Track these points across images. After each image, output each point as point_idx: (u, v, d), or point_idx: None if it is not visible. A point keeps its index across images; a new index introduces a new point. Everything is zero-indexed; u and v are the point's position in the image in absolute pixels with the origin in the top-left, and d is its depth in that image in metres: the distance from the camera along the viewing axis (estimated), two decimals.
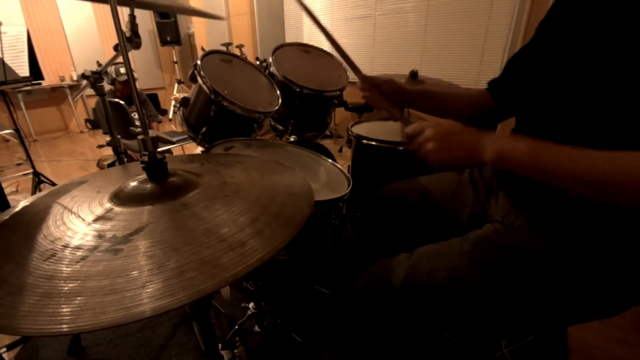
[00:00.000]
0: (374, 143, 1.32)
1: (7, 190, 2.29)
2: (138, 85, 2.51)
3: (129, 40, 0.87)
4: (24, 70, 2.12)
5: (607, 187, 0.44)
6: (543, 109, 0.64)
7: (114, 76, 2.43)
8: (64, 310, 0.33)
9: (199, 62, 1.15)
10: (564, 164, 0.47)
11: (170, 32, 4.64)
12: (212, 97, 1.11)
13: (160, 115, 2.87)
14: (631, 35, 0.49)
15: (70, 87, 4.49)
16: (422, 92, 0.86)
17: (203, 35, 4.67)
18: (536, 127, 0.66)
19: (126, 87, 2.50)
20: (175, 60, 4.99)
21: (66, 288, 0.35)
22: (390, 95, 0.82)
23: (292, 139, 1.53)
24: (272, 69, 1.39)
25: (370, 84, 0.83)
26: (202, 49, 2.53)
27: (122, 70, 2.46)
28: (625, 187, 0.43)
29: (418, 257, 0.71)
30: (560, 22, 0.64)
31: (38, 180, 2.37)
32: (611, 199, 0.46)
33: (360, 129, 1.45)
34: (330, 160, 1.20)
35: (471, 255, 0.66)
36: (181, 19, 4.72)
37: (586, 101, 0.55)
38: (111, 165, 2.93)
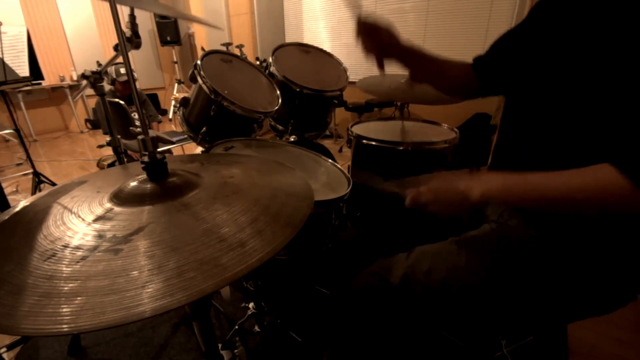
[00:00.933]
0: (374, 143, 1.32)
1: (7, 190, 2.29)
2: (138, 85, 2.50)
3: (129, 40, 0.87)
4: (24, 70, 2.12)
5: (575, 204, 0.51)
6: (532, 92, 0.65)
7: (114, 76, 2.43)
8: (64, 310, 0.33)
9: (199, 62, 1.15)
10: (533, 192, 0.54)
11: (170, 32, 4.64)
12: (212, 97, 1.11)
13: (160, 115, 2.87)
14: (618, 23, 0.50)
15: (70, 87, 4.50)
16: (417, 52, 0.83)
17: (203, 35, 4.67)
18: (525, 110, 0.67)
19: (126, 87, 2.50)
20: (175, 60, 4.99)
21: (66, 288, 0.35)
22: (387, 47, 0.78)
23: (292, 139, 1.53)
24: (272, 69, 1.38)
25: (369, 29, 0.76)
26: (202, 49, 2.53)
27: (123, 70, 2.45)
28: (590, 201, 0.49)
29: (416, 257, 0.71)
30: (552, 8, 0.64)
31: (38, 180, 2.37)
32: (584, 212, 0.53)
33: (360, 129, 1.46)
34: (330, 160, 1.20)
35: (468, 254, 0.67)
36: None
37: (573, 85, 0.56)
38: (111, 165, 2.93)
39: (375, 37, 0.77)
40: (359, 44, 0.79)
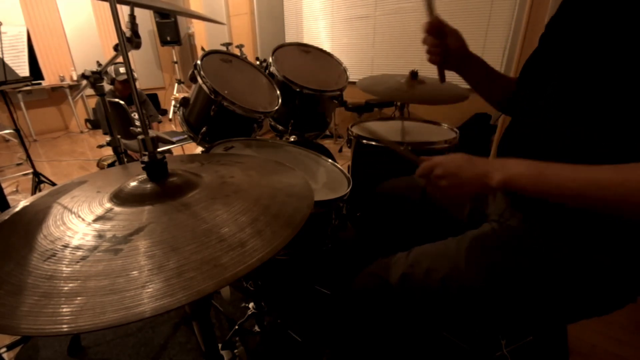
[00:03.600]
0: (374, 143, 1.32)
1: (7, 190, 2.29)
2: (138, 85, 2.49)
3: (129, 40, 0.87)
4: (24, 70, 2.12)
5: (607, 201, 0.46)
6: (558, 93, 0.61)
7: (114, 76, 2.42)
8: (64, 310, 0.33)
9: (199, 62, 1.15)
10: (564, 184, 0.49)
11: (170, 32, 4.64)
12: (212, 97, 1.11)
13: (160, 115, 2.86)
14: (630, 37, 0.49)
15: (70, 87, 4.50)
16: (478, 60, 0.82)
17: (203, 35, 4.67)
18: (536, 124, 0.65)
19: (126, 86, 2.50)
20: (175, 60, 5.00)
21: (66, 288, 0.35)
22: (452, 51, 0.77)
23: (292, 139, 1.53)
24: (272, 69, 1.38)
25: (438, 31, 0.75)
26: (202, 49, 2.52)
27: (122, 69, 2.43)
28: (624, 198, 0.45)
29: (415, 256, 0.71)
30: (564, 27, 0.63)
31: (38, 180, 2.37)
32: (613, 211, 0.47)
33: (360, 129, 1.46)
34: (330, 160, 1.20)
35: (468, 254, 0.67)
36: (181, 18, 4.73)
37: (588, 102, 0.55)
38: (111, 165, 2.93)
39: (442, 41, 0.76)
40: (425, 48, 0.78)
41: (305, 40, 3.92)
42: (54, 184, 2.28)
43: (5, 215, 0.51)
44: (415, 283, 0.67)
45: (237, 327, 1.18)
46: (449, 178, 0.60)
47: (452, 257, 0.67)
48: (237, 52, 3.15)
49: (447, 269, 0.66)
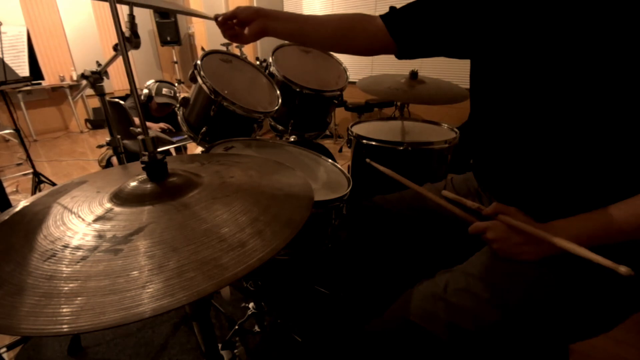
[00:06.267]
0: (374, 143, 1.32)
1: (7, 190, 2.29)
2: (138, 85, 2.46)
3: (128, 40, 0.87)
4: (24, 70, 2.13)
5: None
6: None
7: (153, 94, 2.29)
8: (64, 310, 0.33)
9: (199, 62, 1.15)
10: (616, 232, 0.52)
11: (170, 32, 4.65)
12: (212, 97, 1.11)
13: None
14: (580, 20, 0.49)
15: (70, 87, 4.50)
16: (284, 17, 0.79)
17: (203, 35, 4.67)
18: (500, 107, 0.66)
19: (164, 109, 2.38)
20: (175, 60, 5.00)
21: (66, 288, 0.35)
22: (249, 21, 0.77)
23: (292, 139, 1.53)
24: (272, 69, 1.38)
25: (225, 20, 0.80)
26: (202, 48, 2.52)
27: (165, 90, 2.29)
28: None
29: (445, 288, 0.64)
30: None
31: (38, 180, 2.37)
32: None
33: (360, 129, 1.46)
34: (330, 160, 1.20)
35: (494, 290, 0.61)
36: (181, 19, 4.73)
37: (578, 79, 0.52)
38: (108, 165, 2.89)
39: (233, 23, 0.80)
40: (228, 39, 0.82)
41: None
42: (54, 184, 2.28)
43: (5, 215, 0.51)
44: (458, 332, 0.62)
45: (237, 327, 1.18)
46: (499, 242, 0.61)
47: (478, 295, 0.62)
48: (237, 52, 3.15)
49: (474, 317, 0.61)
